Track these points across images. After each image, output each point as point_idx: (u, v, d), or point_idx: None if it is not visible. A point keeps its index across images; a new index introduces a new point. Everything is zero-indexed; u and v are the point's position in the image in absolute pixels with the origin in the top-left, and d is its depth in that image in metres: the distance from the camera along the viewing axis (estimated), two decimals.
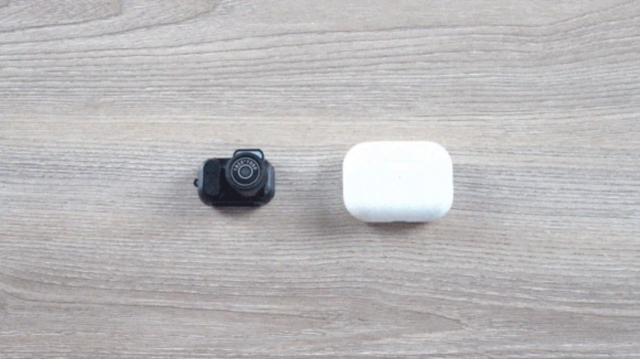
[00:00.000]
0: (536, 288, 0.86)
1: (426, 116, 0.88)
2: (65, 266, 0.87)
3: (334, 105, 0.89)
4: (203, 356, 0.86)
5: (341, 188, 0.86)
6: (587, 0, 0.91)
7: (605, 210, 0.87)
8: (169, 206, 0.87)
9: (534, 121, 0.88)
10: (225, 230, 0.87)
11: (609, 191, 0.87)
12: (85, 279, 0.86)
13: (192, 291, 0.86)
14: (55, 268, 0.86)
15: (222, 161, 0.85)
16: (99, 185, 0.88)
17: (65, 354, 0.86)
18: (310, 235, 0.87)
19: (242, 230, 0.87)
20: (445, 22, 0.90)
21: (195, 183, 0.86)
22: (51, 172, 0.88)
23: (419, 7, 0.91)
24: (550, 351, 0.85)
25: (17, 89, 0.90)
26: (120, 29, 0.91)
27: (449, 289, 0.86)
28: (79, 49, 0.90)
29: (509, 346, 0.86)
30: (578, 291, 0.86)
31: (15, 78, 0.90)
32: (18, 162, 0.88)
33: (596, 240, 0.86)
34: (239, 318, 0.86)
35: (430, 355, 0.86)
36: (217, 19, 0.91)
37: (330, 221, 0.87)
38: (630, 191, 0.87)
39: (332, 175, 0.88)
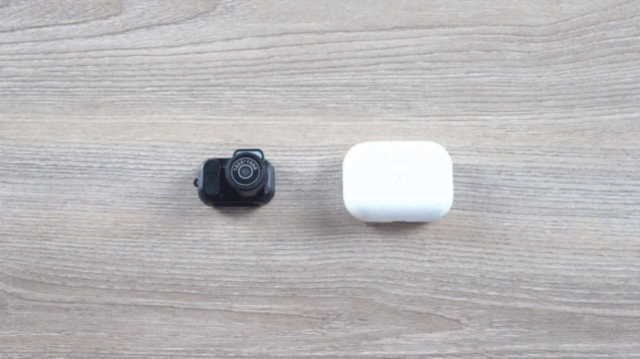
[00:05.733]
0: (536, 288, 0.86)
1: (426, 116, 0.89)
2: (65, 266, 0.87)
3: (334, 105, 0.89)
4: (203, 356, 0.86)
5: (341, 188, 0.86)
6: (587, 0, 0.91)
7: (605, 210, 0.87)
8: (169, 206, 0.87)
9: (534, 121, 0.88)
10: (225, 230, 0.87)
11: (609, 191, 0.87)
12: (86, 279, 0.86)
13: (193, 291, 0.86)
14: (55, 268, 0.87)
15: (222, 161, 0.85)
16: (99, 185, 0.88)
17: (65, 354, 0.86)
18: (310, 235, 0.87)
19: (242, 230, 0.87)
20: (445, 22, 0.90)
21: (195, 183, 0.86)
22: (51, 172, 0.88)
23: (419, 7, 0.91)
24: (550, 351, 0.85)
25: (17, 89, 0.90)
26: (120, 29, 0.91)
27: (449, 289, 0.86)
28: (79, 48, 0.90)
29: (509, 346, 0.86)
30: (578, 291, 0.86)
31: (15, 78, 0.90)
32: (18, 161, 0.88)
33: (596, 240, 0.86)
34: (239, 318, 0.86)
35: (430, 355, 0.86)
36: (217, 19, 0.91)
37: (330, 221, 0.87)
38: (630, 191, 0.87)
39: (332, 175, 0.88)
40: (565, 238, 0.86)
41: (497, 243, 0.86)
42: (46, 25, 0.91)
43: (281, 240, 0.87)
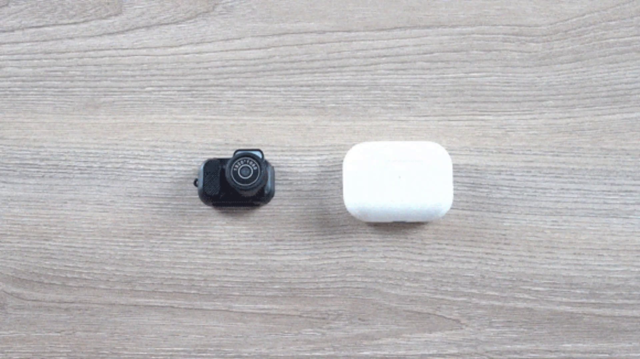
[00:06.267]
0: (536, 288, 0.86)
1: (426, 116, 0.89)
2: (65, 266, 0.87)
3: (334, 105, 0.89)
4: (203, 356, 0.86)
5: (341, 188, 0.86)
6: (587, 0, 0.91)
7: (605, 210, 0.87)
8: (169, 206, 0.87)
9: (534, 121, 0.88)
10: (225, 230, 0.87)
11: (609, 191, 0.87)
12: (85, 279, 0.86)
13: (192, 291, 0.86)
14: (55, 268, 0.87)
15: (222, 161, 0.85)
16: (99, 185, 0.88)
17: (65, 354, 0.86)
18: (310, 235, 0.87)
19: (242, 230, 0.87)
20: (445, 22, 0.90)
21: (195, 183, 0.86)
22: (51, 172, 0.88)
23: (419, 7, 0.91)
24: (550, 351, 0.85)
25: (17, 89, 0.90)
26: (120, 29, 0.91)
27: (449, 289, 0.86)
28: (79, 49, 0.90)
29: (509, 346, 0.86)
30: (578, 291, 0.86)
31: (15, 78, 0.90)
32: (18, 162, 0.88)
33: (596, 240, 0.86)
34: (239, 318, 0.86)
35: (430, 355, 0.86)
36: (217, 19, 0.91)
37: (330, 221, 0.87)
38: (630, 191, 0.87)
39: (332, 175, 0.88)
40: (565, 238, 0.86)
41: (497, 243, 0.86)
42: (46, 25, 0.91)
43: (281, 240, 0.87)
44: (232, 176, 0.82)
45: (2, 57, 0.90)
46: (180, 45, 0.90)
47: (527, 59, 0.89)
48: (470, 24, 0.90)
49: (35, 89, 0.89)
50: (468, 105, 0.89)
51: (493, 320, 0.86)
